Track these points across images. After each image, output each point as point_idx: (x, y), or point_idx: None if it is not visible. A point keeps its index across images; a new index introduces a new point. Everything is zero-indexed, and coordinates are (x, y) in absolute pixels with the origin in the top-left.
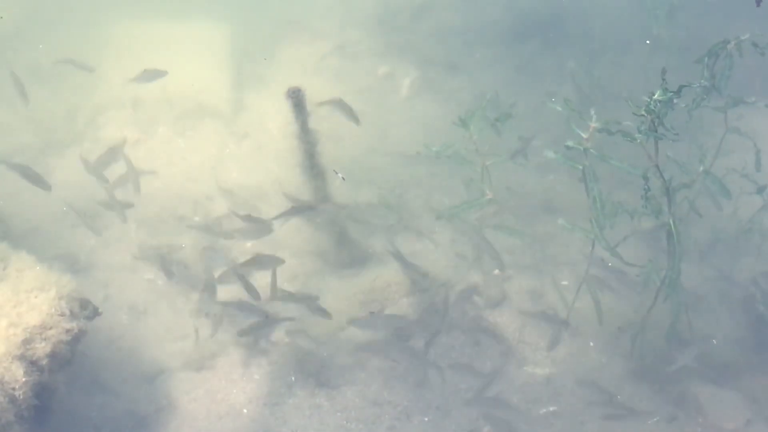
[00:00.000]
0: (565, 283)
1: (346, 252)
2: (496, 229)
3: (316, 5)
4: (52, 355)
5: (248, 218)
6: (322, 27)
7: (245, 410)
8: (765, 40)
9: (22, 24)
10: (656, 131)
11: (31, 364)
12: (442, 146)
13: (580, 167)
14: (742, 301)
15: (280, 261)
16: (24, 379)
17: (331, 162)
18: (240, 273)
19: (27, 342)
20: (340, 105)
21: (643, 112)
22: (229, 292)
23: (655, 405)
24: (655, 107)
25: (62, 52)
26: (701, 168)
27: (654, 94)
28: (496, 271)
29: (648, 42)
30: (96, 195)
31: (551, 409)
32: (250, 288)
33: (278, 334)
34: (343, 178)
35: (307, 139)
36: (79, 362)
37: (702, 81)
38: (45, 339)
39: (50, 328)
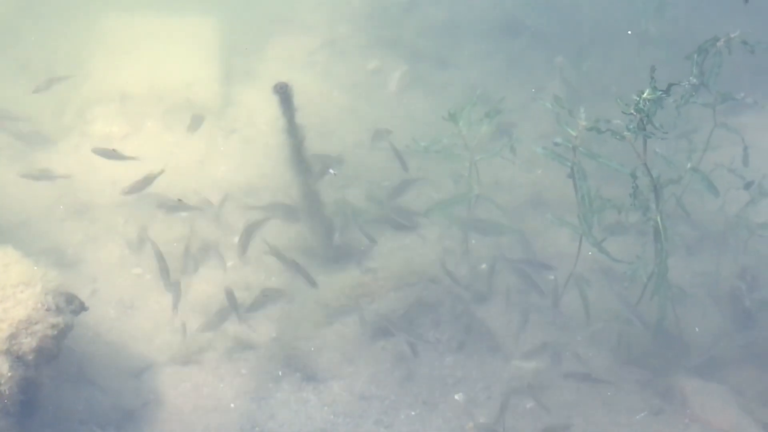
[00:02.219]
0: (551, 278)
1: (333, 247)
2: (484, 223)
3: (305, 0)
4: (38, 350)
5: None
6: (311, 22)
7: (232, 405)
8: (754, 38)
9: (11, 17)
10: (645, 129)
11: (17, 359)
12: (431, 141)
13: (569, 164)
14: (728, 296)
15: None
16: (9, 374)
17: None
18: None
19: (12, 337)
20: None
21: (632, 111)
22: None
23: (641, 399)
24: (644, 106)
25: (51, 45)
26: (689, 165)
27: (643, 93)
28: (483, 266)
29: (629, 32)
30: (85, 189)
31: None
32: None
33: (265, 329)
34: (335, 174)
35: (294, 134)
36: (66, 357)
37: (691, 78)
38: (31, 334)
39: (36, 323)
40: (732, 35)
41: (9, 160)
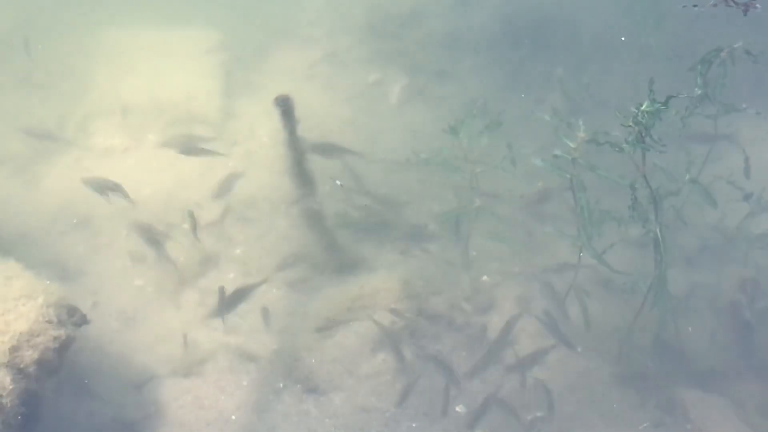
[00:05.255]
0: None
1: (335, 258)
2: (486, 236)
3: (306, 13)
4: (40, 363)
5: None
6: (312, 34)
7: (233, 417)
8: (756, 49)
9: (13, 30)
10: (643, 142)
11: (19, 371)
12: (432, 153)
13: (568, 176)
14: (728, 308)
15: None
16: (11, 387)
17: (320, 169)
18: None
19: (14, 350)
20: None
21: (631, 123)
22: None
23: (642, 410)
24: (642, 118)
25: (54, 59)
26: (687, 176)
27: (642, 105)
28: (485, 278)
29: (623, 38)
30: (86, 202)
31: (538, 414)
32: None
33: (267, 340)
34: (342, 185)
35: (295, 147)
36: (68, 369)
37: (696, 89)
38: (32, 346)
39: (38, 336)
40: (735, 45)
41: (11, 173)
